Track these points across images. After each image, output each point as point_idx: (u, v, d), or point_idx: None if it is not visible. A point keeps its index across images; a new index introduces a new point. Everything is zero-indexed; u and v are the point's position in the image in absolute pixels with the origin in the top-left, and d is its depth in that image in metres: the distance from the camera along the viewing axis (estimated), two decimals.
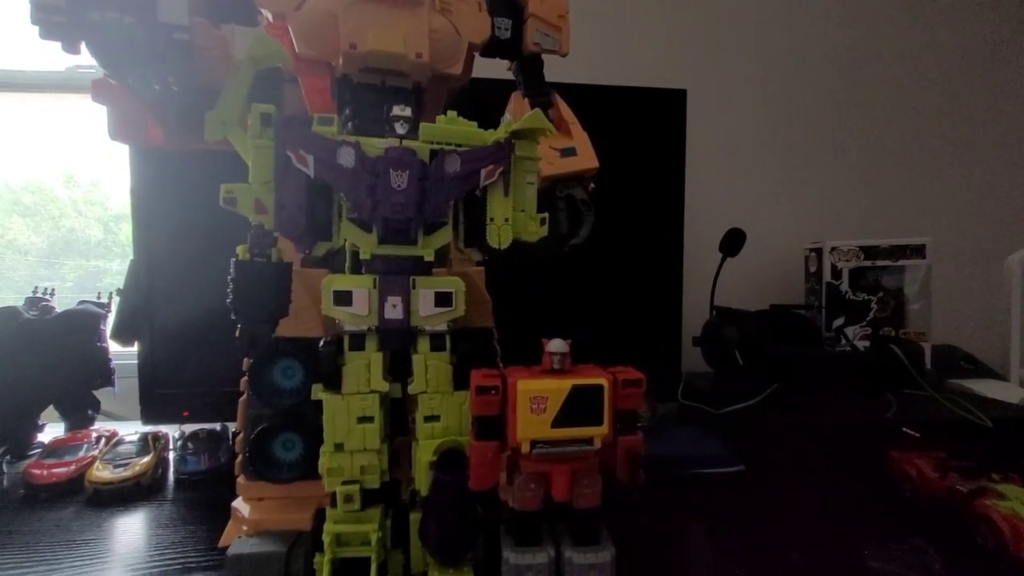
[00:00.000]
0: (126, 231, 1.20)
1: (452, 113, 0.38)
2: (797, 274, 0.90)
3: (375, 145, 0.36)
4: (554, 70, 0.55)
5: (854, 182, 1.06)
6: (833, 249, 0.80)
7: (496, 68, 0.55)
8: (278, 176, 0.34)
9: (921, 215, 1.06)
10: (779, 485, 0.57)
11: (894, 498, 0.55)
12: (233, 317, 0.36)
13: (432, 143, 0.37)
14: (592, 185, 0.56)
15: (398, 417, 0.42)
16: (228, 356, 0.51)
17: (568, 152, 0.54)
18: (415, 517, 0.40)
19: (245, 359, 0.46)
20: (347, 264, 0.39)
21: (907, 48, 1.09)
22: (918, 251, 0.79)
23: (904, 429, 0.57)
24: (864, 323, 0.80)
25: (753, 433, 0.62)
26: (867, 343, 0.77)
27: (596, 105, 0.61)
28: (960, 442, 0.58)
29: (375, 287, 0.37)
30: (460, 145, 0.37)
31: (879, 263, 0.80)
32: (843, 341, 0.80)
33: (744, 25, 1.04)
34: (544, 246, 0.45)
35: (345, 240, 0.38)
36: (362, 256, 0.37)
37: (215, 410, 0.70)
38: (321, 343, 0.38)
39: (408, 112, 0.38)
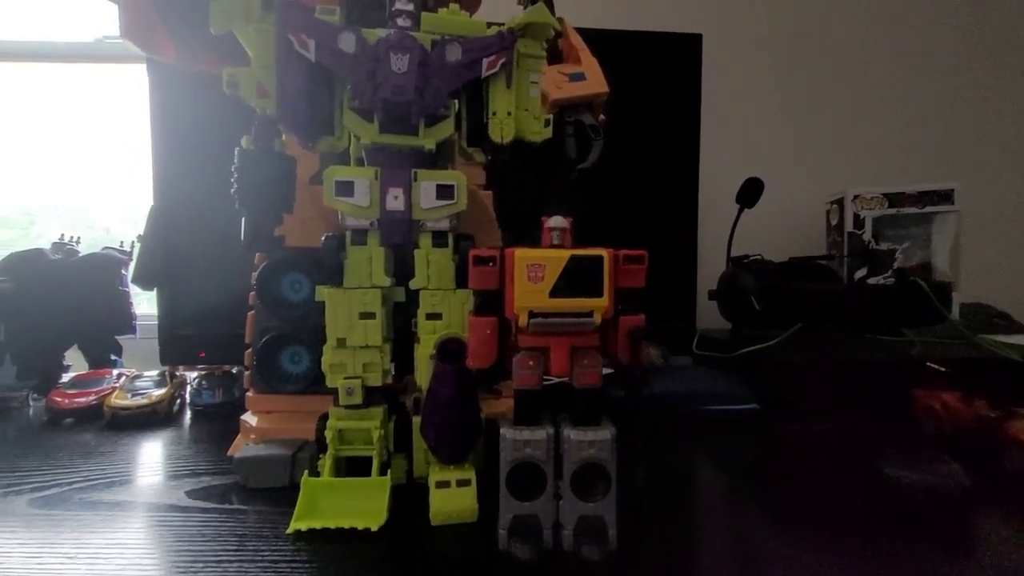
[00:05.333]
0: None
1: (454, 6, 0.38)
2: (818, 227, 0.87)
3: (376, 33, 0.36)
4: (565, 14, 0.54)
5: (878, 131, 1.02)
6: (856, 197, 0.77)
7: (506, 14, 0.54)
8: (279, 60, 0.35)
9: (949, 167, 1.01)
10: (794, 423, 0.56)
11: (917, 434, 0.53)
12: (237, 207, 0.37)
13: (434, 34, 0.37)
14: (602, 117, 0.55)
15: (404, 356, 0.41)
16: (244, 301, 0.52)
17: (577, 77, 0.53)
18: (417, 420, 0.39)
19: (253, 274, 0.47)
20: (351, 162, 0.40)
21: None
22: (946, 197, 0.76)
23: (929, 364, 0.54)
24: (888, 274, 0.77)
25: (769, 374, 0.61)
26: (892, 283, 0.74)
27: (609, 51, 0.60)
28: (989, 379, 0.56)
29: (377, 178, 0.37)
30: (462, 36, 0.37)
31: (905, 211, 0.77)
32: None
33: None
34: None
35: (349, 139, 0.38)
36: (363, 143, 0.36)
37: (231, 354, 0.71)
38: (323, 237, 0.38)
39: (411, 7, 0.38)
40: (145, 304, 1.02)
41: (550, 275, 0.30)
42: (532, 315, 0.30)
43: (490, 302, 0.31)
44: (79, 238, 0.77)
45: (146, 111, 0.74)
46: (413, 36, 0.36)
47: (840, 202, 0.81)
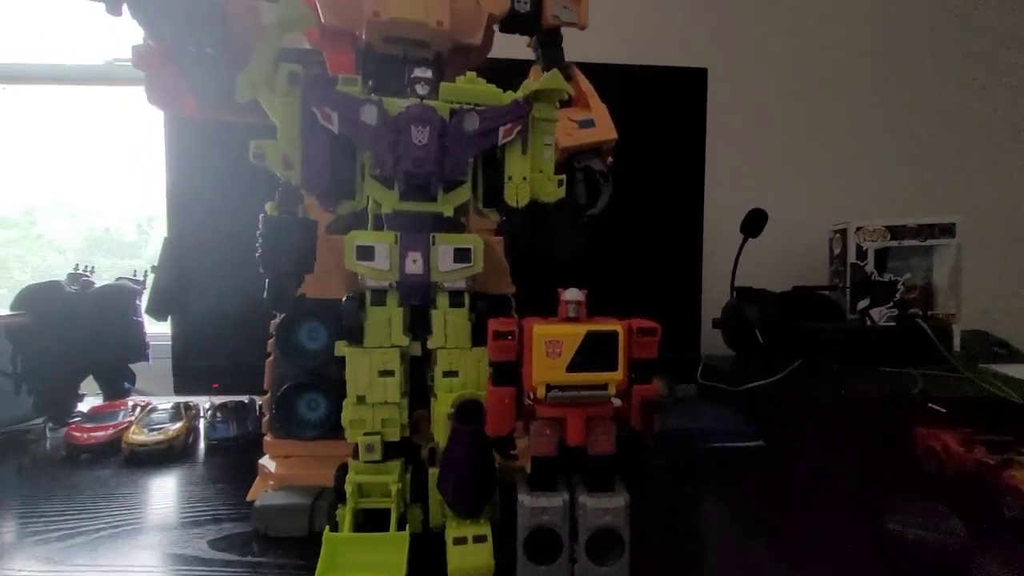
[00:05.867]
0: (158, 231, 1.25)
1: (471, 74, 0.39)
2: (821, 256, 0.88)
3: (397, 104, 0.37)
4: (573, 49, 0.55)
5: (880, 161, 1.04)
6: (859, 229, 0.79)
7: (516, 48, 0.55)
8: (304, 133, 0.36)
9: (951, 195, 1.02)
10: (799, 460, 0.57)
11: (918, 473, 0.54)
12: (261, 270, 0.38)
13: (452, 102, 0.38)
14: (610, 159, 0.57)
15: (418, 389, 0.42)
16: (256, 331, 0.53)
17: (586, 124, 0.54)
18: (434, 472, 0.41)
19: (272, 322, 0.49)
20: (370, 224, 0.41)
21: (933, 22, 1.06)
22: (947, 230, 0.77)
23: (930, 405, 0.55)
24: (891, 304, 0.78)
25: (774, 409, 0.62)
26: (893, 324, 0.75)
27: (615, 85, 0.61)
28: (989, 420, 0.57)
29: (396, 243, 0.38)
30: (479, 104, 0.38)
31: (907, 243, 0.78)
32: (868, 322, 0.78)
33: (767, 2, 1.02)
34: (569, 242, 0.46)
35: (368, 200, 0.39)
36: (384, 211, 0.38)
37: (243, 383, 0.72)
38: (344, 298, 0.39)
39: (429, 74, 0.39)
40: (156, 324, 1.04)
41: (567, 351, 0.31)
42: (549, 388, 0.31)
43: (508, 373, 0.33)
44: (94, 268, 0.78)
45: (160, 156, 0.76)
46: (433, 108, 0.37)
47: (843, 232, 0.82)
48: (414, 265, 0.38)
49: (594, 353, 0.31)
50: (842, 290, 0.80)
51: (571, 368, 0.31)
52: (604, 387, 0.32)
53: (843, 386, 0.63)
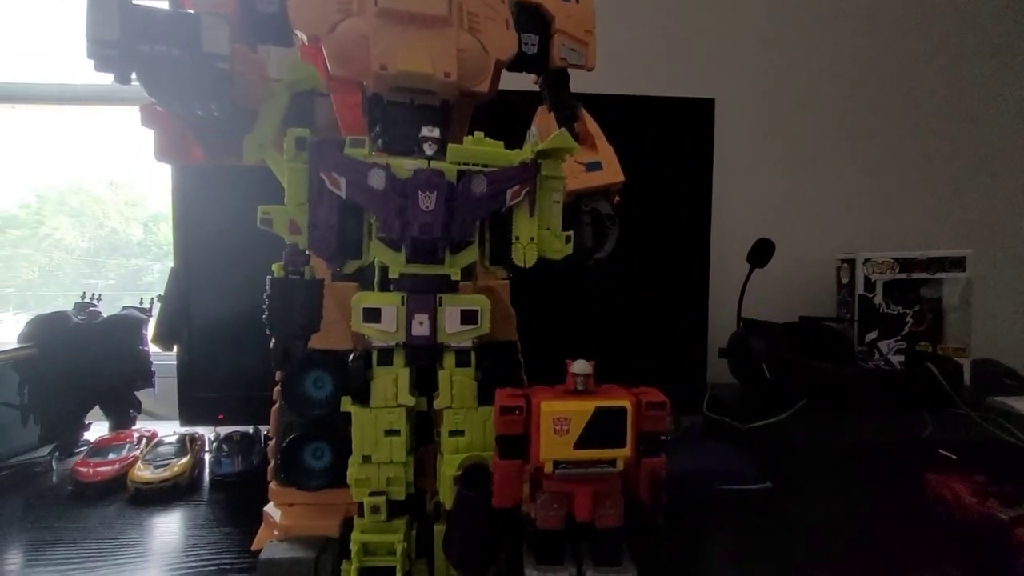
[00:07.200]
0: (164, 231, 1.25)
1: (479, 134, 0.39)
2: (828, 286, 0.87)
3: (404, 167, 0.37)
4: (580, 80, 0.55)
5: (888, 190, 1.03)
6: (867, 261, 0.78)
7: (522, 80, 0.55)
8: (312, 198, 0.36)
9: (959, 224, 1.01)
10: (806, 504, 0.56)
11: (928, 523, 0.53)
12: (268, 332, 0.38)
13: (459, 164, 0.38)
14: (617, 198, 0.56)
15: (423, 427, 0.43)
16: (262, 361, 0.53)
17: (593, 166, 0.54)
18: (439, 529, 0.40)
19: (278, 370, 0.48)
20: (376, 281, 0.41)
21: (942, 52, 1.05)
22: (957, 264, 0.76)
23: (940, 451, 0.55)
24: (899, 337, 0.78)
25: (780, 449, 0.61)
26: (901, 358, 0.75)
27: (623, 115, 0.61)
28: (1001, 465, 0.56)
29: (403, 304, 0.38)
30: (487, 166, 0.38)
31: (916, 276, 0.78)
32: (876, 355, 0.77)
33: (773, 33, 1.02)
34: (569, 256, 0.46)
35: (375, 258, 0.39)
36: (391, 275, 0.38)
37: (249, 413, 0.72)
38: (351, 358, 0.39)
39: (436, 133, 0.38)
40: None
41: (575, 427, 0.31)
42: (557, 464, 0.31)
43: (515, 446, 0.32)
44: (100, 295, 0.78)
45: (167, 167, 0.76)
46: (440, 173, 0.36)
47: (851, 262, 0.81)
48: (420, 327, 0.38)
49: (602, 429, 0.31)
50: (849, 322, 0.79)
51: (579, 445, 0.31)
52: (612, 462, 0.31)
53: (851, 426, 0.62)
